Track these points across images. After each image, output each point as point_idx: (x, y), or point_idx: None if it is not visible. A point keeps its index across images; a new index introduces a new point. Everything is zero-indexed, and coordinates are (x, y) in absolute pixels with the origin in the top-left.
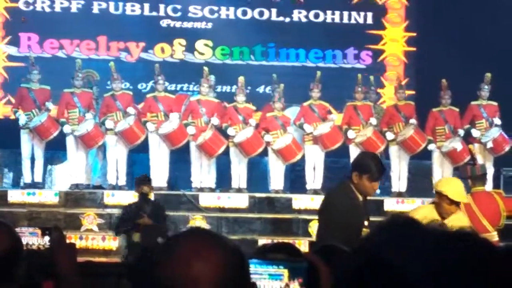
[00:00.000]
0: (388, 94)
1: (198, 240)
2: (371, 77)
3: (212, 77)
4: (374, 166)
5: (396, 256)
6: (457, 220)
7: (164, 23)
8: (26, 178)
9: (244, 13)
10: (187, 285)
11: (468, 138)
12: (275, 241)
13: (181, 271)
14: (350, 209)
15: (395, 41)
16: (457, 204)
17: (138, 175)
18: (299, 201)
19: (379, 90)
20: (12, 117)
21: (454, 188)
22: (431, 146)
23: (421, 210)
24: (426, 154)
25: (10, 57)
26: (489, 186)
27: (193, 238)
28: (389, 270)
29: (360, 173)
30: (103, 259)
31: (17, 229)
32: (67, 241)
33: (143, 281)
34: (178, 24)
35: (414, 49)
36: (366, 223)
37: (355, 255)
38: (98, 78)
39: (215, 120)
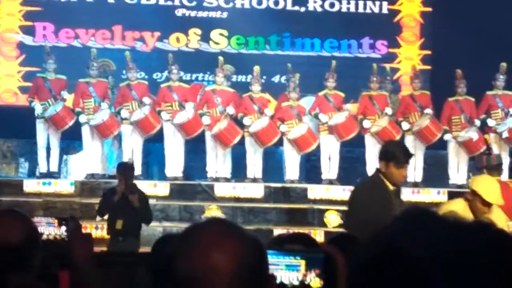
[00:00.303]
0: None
1: (217, 231)
2: (387, 67)
3: (230, 67)
4: (398, 151)
5: (411, 246)
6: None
7: (179, 12)
8: (42, 167)
9: (259, 2)
10: (206, 276)
11: (484, 128)
12: (291, 231)
13: (200, 261)
14: (378, 202)
15: (411, 22)
16: (490, 204)
17: (153, 165)
18: (315, 191)
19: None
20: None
21: (489, 188)
22: (447, 136)
23: (453, 204)
24: (442, 144)
25: (26, 46)
26: (505, 176)
27: (212, 229)
28: (404, 260)
29: (387, 161)
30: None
31: (34, 219)
32: (83, 231)
33: (161, 272)
34: (193, 13)
35: (430, 37)
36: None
37: (370, 244)
38: (114, 67)
39: (230, 110)
